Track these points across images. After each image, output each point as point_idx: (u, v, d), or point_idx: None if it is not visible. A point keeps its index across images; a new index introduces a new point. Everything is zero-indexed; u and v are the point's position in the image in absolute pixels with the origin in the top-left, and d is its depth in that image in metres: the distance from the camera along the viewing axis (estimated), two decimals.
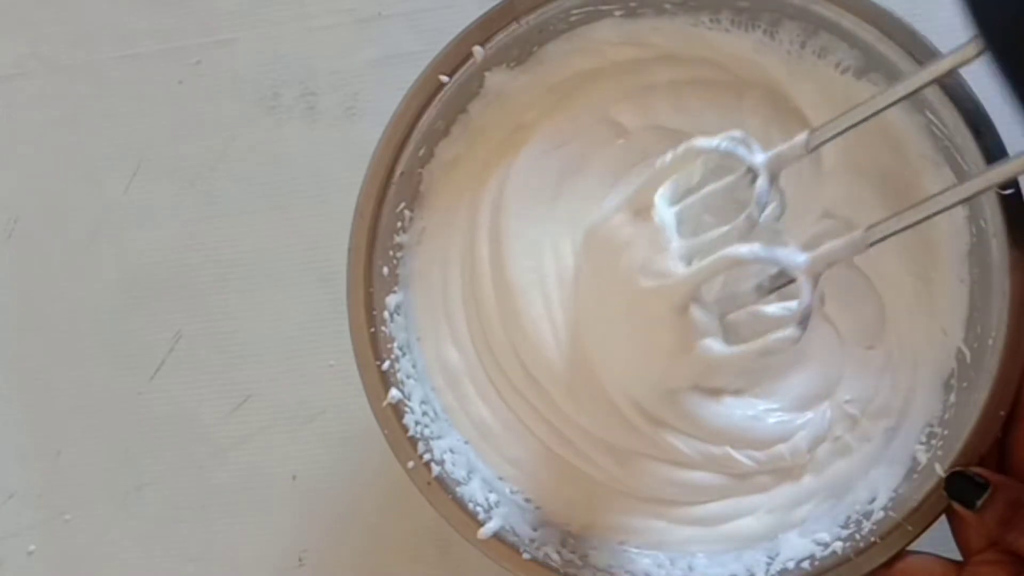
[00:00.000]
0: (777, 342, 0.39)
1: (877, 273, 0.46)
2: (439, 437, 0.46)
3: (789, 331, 0.39)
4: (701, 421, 0.46)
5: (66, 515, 0.56)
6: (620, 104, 0.48)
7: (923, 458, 0.44)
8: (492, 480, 0.47)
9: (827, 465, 0.46)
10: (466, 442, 0.47)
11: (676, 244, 0.41)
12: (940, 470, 0.42)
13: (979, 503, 0.40)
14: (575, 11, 0.46)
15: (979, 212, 0.42)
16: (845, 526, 0.44)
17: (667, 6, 0.46)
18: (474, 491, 0.45)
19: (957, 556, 0.42)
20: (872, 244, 0.39)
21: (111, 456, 0.56)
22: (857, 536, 0.43)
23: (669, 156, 0.41)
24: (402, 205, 0.46)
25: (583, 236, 0.45)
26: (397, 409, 0.45)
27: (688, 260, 0.41)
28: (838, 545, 0.44)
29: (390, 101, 0.45)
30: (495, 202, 0.48)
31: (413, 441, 0.45)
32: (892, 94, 0.39)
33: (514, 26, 0.45)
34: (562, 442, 0.47)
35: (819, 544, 0.44)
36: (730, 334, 0.42)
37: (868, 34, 0.43)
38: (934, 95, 0.42)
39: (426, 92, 0.45)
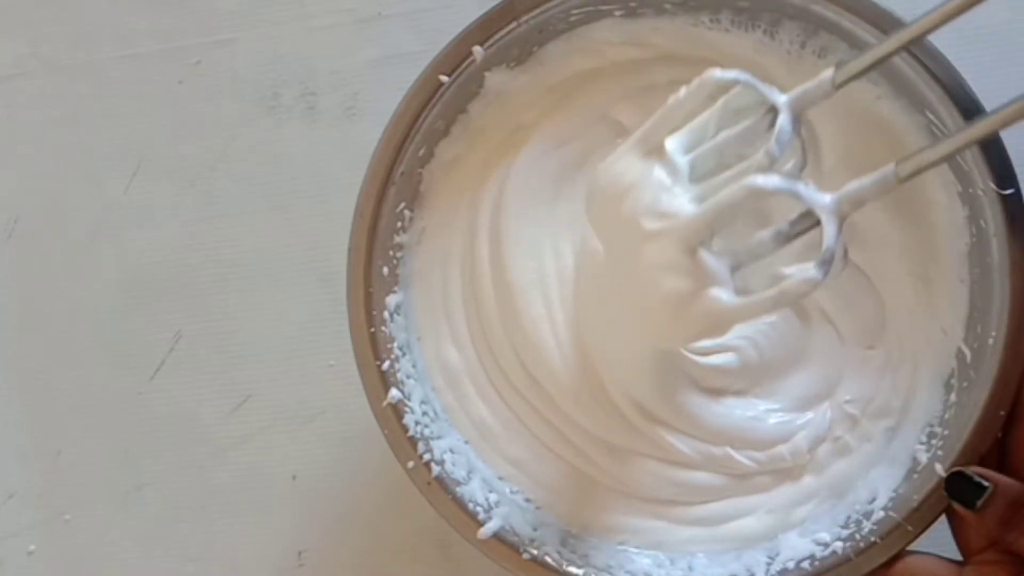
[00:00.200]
0: (794, 285, 0.35)
1: (877, 273, 0.46)
2: (439, 437, 0.46)
3: (809, 272, 0.35)
4: (701, 421, 0.46)
5: (66, 515, 0.56)
6: (620, 104, 0.48)
7: (923, 458, 0.43)
8: (492, 480, 0.47)
9: (827, 465, 0.46)
10: (466, 442, 0.47)
11: (686, 183, 0.38)
12: (940, 470, 0.42)
13: (979, 503, 0.39)
14: (575, 11, 0.46)
15: (979, 212, 0.42)
16: (845, 526, 0.44)
17: (667, 6, 0.46)
18: (474, 491, 0.45)
19: (957, 556, 0.42)
20: (903, 180, 0.35)
21: (111, 456, 0.55)
22: (857, 536, 0.43)
23: (683, 91, 0.39)
24: (402, 205, 0.46)
25: (587, 187, 0.42)
26: (397, 409, 0.45)
27: (699, 201, 0.37)
28: (838, 545, 0.44)
29: (390, 101, 0.45)
30: (495, 202, 0.48)
31: (413, 441, 0.45)
32: (920, 27, 0.36)
33: (514, 26, 0.45)
34: (562, 442, 0.47)
35: (819, 544, 0.44)
36: (741, 296, 0.38)
37: (868, 34, 0.43)
38: (934, 95, 0.42)
39: (426, 92, 0.45)
